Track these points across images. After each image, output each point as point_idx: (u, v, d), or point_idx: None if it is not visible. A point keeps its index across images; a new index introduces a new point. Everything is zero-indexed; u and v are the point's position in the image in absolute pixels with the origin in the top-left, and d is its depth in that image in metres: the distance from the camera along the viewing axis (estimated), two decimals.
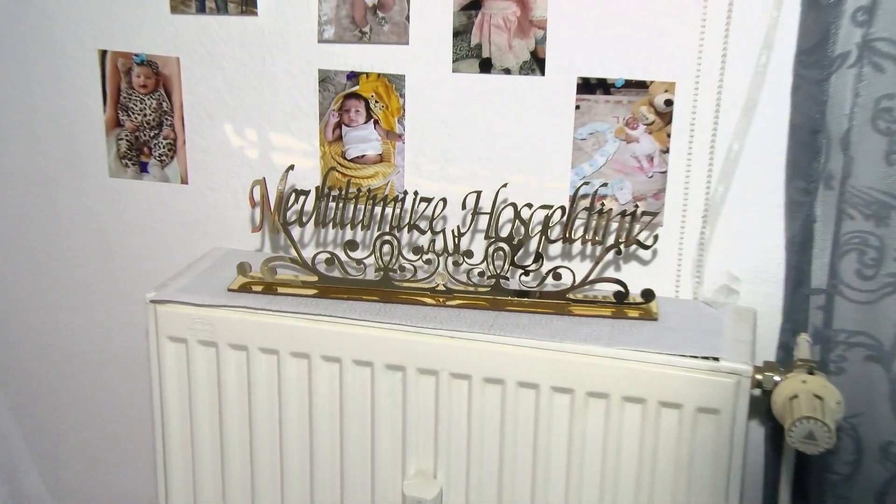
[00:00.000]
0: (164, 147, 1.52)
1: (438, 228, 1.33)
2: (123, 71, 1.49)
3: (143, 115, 1.51)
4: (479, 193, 1.32)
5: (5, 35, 1.53)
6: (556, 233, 1.29)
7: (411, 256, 1.33)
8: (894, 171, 1.17)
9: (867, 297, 1.22)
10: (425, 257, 1.32)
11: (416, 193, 1.34)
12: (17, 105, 1.57)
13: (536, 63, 1.32)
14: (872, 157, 1.17)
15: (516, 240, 1.29)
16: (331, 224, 1.35)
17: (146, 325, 1.36)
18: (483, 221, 1.33)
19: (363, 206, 1.34)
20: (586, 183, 1.33)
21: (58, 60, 1.52)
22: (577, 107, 1.33)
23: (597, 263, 1.30)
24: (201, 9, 1.42)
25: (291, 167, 1.38)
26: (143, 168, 1.54)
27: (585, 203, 1.30)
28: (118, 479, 1.76)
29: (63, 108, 1.54)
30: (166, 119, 1.50)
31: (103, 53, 1.49)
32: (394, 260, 1.32)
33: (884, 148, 1.16)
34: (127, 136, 1.53)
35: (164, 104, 1.49)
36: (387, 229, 1.32)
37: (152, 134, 1.52)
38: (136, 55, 1.48)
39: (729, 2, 1.23)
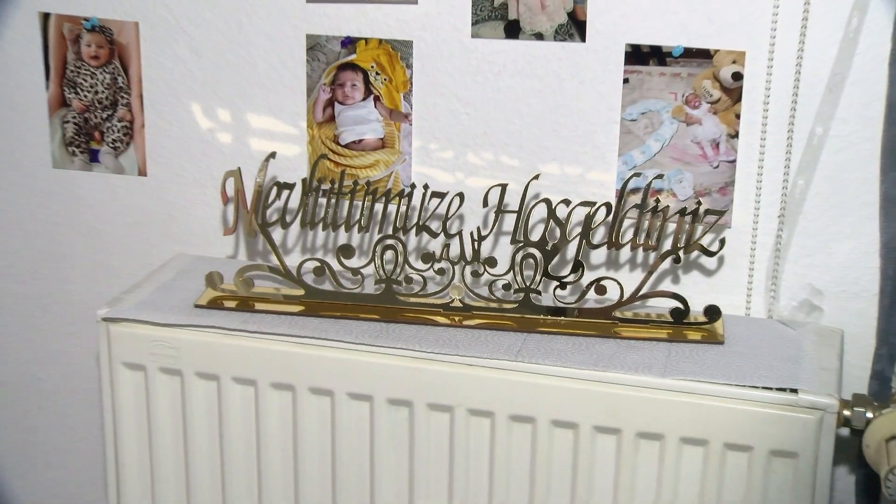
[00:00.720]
0: (118, 131, 1.53)
1: (454, 230, 1.34)
2: (70, 39, 1.51)
3: (95, 93, 1.52)
4: (504, 187, 1.32)
5: None
6: (599, 236, 1.30)
7: (420, 265, 1.33)
8: None
9: None
10: (437, 266, 1.33)
11: (425, 187, 1.34)
12: None
13: (575, 27, 1.33)
14: None
15: (550, 244, 1.30)
16: (321, 225, 1.35)
17: (97, 347, 1.37)
18: (509, 222, 1.33)
19: (361, 203, 1.35)
20: (637, 174, 1.34)
21: None
22: (626, 80, 1.34)
23: (650, 274, 1.31)
24: None
25: (273, 155, 1.38)
26: (94, 157, 1.55)
27: (636, 199, 1.31)
28: None
29: None
30: (122, 97, 1.51)
31: (45, 17, 1.51)
32: (398, 269, 1.33)
33: None
34: (74, 118, 1.54)
35: (120, 79, 1.51)
36: (390, 231, 1.33)
37: (105, 115, 1.53)
38: (86, 20, 1.49)
39: None
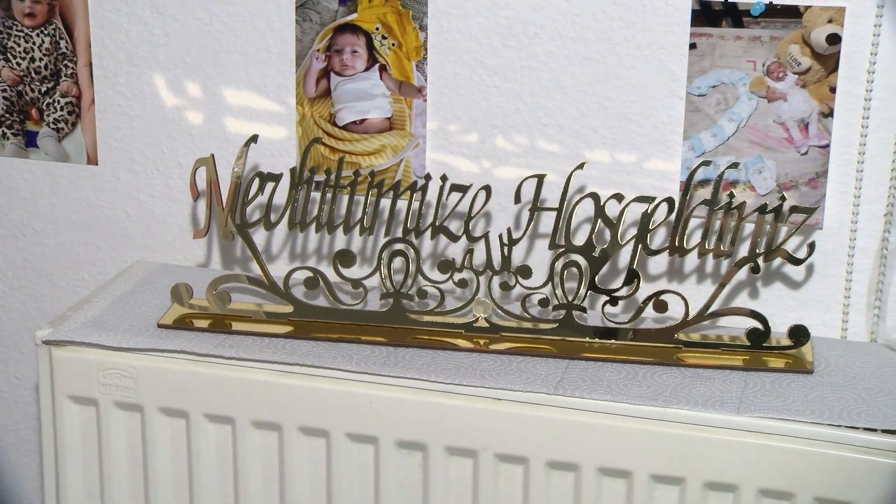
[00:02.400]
0: (62, 109, 1.55)
1: (478, 233, 1.35)
2: None
3: (31, 61, 1.54)
4: (541, 178, 1.33)
5: None
6: (659, 240, 1.32)
7: (436, 275, 1.35)
8: None
9: None
10: (458, 277, 1.34)
11: (443, 179, 1.35)
12: None
13: None
14: None
15: (598, 250, 1.31)
16: (314, 226, 1.37)
17: (36, 377, 1.38)
18: (548, 222, 1.35)
19: (363, 199, 1.36)
20: (707, 163, 1.34)
21: None
22: (693, 45, 1.35)
23: (722, 286, 1.32)
24: None
25: (254, 139, 1.39)
26: (31, 140, 1.57)
27: (706, 194, 1.32)
28: None
29: None
30: (66, 66, 1.53)
31: None
32: (410, 281, 1.34)
33: None
34: (5, 91, 1.56)
35: (63, 43, 1.52)
36: (399, 234, 1.34)
37: (44, 89, 1.55)
38: None
39: None
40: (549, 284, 1.32)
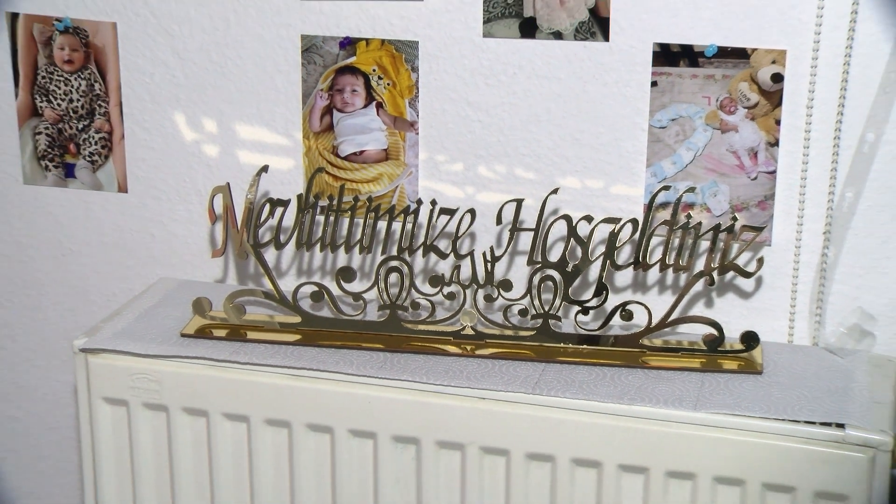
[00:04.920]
0: (96, 143, 1.55)
1: (464, 251, 1.35)
2: (42, 41, 1.52)
3: (69, 101, 1.54)
4: (519, 203, 1.33)
5: None
6: (625, 256, 1.32)
7: (428, 289, 1.35)
8: None
9: None
10: (447, 290, 1.34)
11: (433, 203, 1.36)
12: None
13: (598, 24, 1.34)
14: None
15: (571, 266, 1.31)
16: (318, 246, 1.37)
17: (74, 381, 1.38)
18: (525, 241, 1.34)
19: (362, 221, 1.36)
20: (667, 187, 1.35)
21: None
22: (654, 83, 1.35)
23: (681, 297, 1.32)
24: None
25: (265, 169, 1.40)
26: (69, 171, 1.57)
27: (666, 215, 1.31)
28: None
29: None
30: (99, 106, 1.53)
31: (13, 17, 1.52)
32: (404, 294, 1.34)
33: None
34: (47, 129, 1.56)
35: (97, 86, 1.52)
36: (394, 252, 1.34)
37: (81, 126, 1.55)
38: (59, 20, 1.50)
39: None
40: (528, 296, 1.32)
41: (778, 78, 1.31)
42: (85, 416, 1.38)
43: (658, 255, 1.30)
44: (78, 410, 1.39)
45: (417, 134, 1.44)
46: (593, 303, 1.32)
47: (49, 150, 1.57)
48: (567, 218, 1.31)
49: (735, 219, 1.33)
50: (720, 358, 1.31)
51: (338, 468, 1.32)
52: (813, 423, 1.19)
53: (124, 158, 1.54)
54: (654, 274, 1.40)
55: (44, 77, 1.54)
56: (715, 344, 1.31)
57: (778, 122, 1.33)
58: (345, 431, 1.30)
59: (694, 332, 1.34)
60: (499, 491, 1.28)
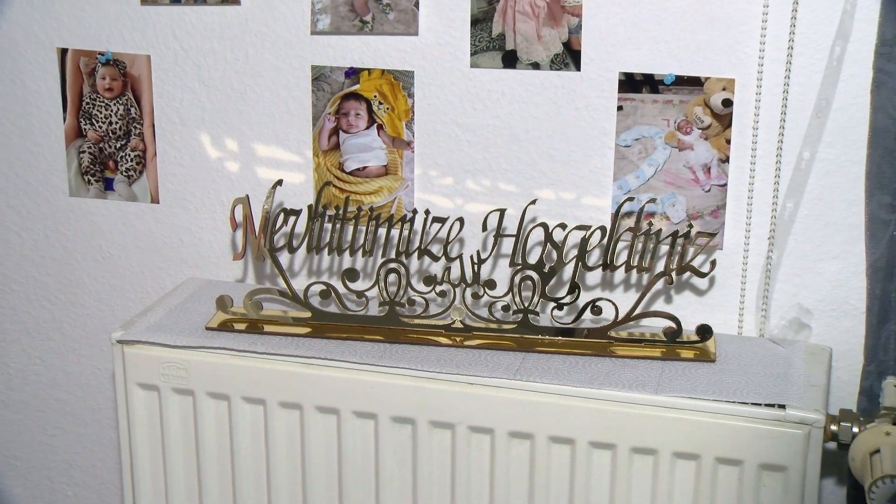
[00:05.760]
0: (132, 160, 1.54)
1: (454, 254, 1.34)
2: (86, 72, 1.52)
3: (109, 124, 1.54)
4: (502, 212, 1.33)
5: None
6: (594, 258, 1.31)
7: (422, 288, 1.34)
8: None
9: None
10: (439, 289, 1.34)
11: (427, 212, 1.35)
12: None
13: (570, 56, 1.34)
14: None
15: (547, 267, 1.31)
16: (326, 250, 1.36)
17: (112, 368, 1.38)
18: (508, 245, 1.35)
19: (365, 228, 1.36)
20: (631, 199, 1.35)
21: (10, 61, 1.55)
22: (620, 108, 1.35)
23: (643, 295, 1.31)
24: None
25: (279, 182, 1.39)
26: (108, 185, 1.56)
27: (630, 223, 1.31)
28: None
29: (16, 115, 1.58)
30: (135, 128, 1.53)
31: (63, 52, 1.52)
32: (401, 292, 1.34)
33: None
34: (90, 148, 1.56)
35: (133, 110, 1.52)
36: (393, 255, 1.34)
37: (119, 145, 1.54)
38: (101, 54, 1.51)
39: None
40: (510, 294, 1.32)
41: (728, 103, 1.31)
42: (122, 399, 1.38)
43: (623, 257, 1.30)
44: (115, 394, 1.39)
45: (413, 152, 1.44)
46: (567, 299, 1.32)
47: (91, 166, 1.56)
48: (544, 225, 1.31)
49: (691, 226, 1.34)
50: (678, 348, 1.31)
51: (343, 445, 1.32)
52: (758, 404, 1.19)
53: (156, 173, 1.54)
54: (620, 274, 1.40)
55: (87, 103, 1.54)
56: (674, 335, 1.31)
57: (728, 142, 1.33)
58: (349, 413, 1.30)
59: (655, 326, 1.34)
60: (484, 465, 1.28)
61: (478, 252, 1.34)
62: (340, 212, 1.36)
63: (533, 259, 1.32)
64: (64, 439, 1.74)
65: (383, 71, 1.41)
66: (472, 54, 1.38)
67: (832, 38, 1.25)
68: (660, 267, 1.30)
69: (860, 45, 1.24)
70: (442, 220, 1.34)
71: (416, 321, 1.35)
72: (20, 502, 1.80)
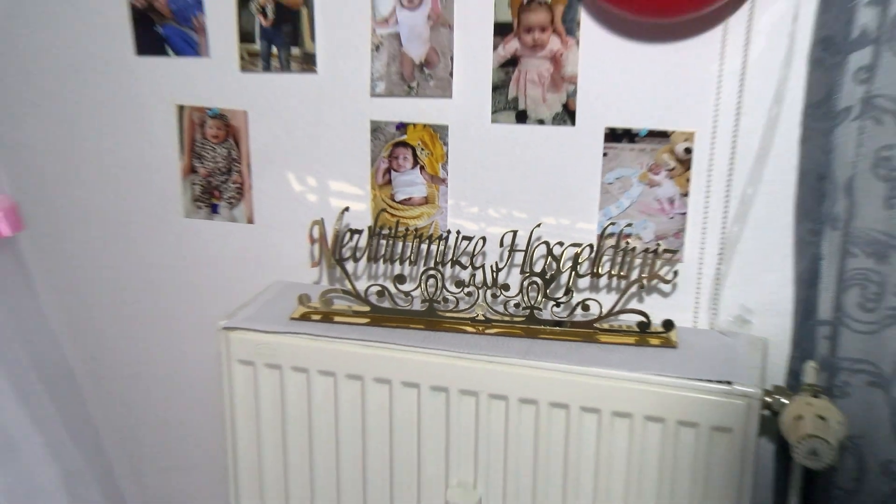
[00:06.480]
0: (232, 191, 1.55)
1: (478, 264, 1.35)
2: (198, 123, 1.53)
3: (215, 163, 1.54)
4: (515, 233, 1.34)
5: (97, 91, 1.57)
6: (584, 268, 1.31)
7: (454, 289, 1.35)
8: (894, 214, 1.18)
9: (869, 328, 1.21)
10: (466, 290, 1.34)
11: (458, 232, 1.36)
12: (104, 153, 1.60)
13: (568, 115, 1.34)
14: (873, 202, 1.18)
15: (549, 274, 1.31)
16: (381, 260, 1.37)
17: (219, 349, 1.38)
18: (518, 258, 1.35)
19: (410, 244, 1.37)
20: (613, 223, 1.35)
21: (140, 114, 1.57)
22: (605, 154, 1.34)
23: (622, 296, 1.32)
24: (266, 67, 1.46)
25: (346, 209, 1.41)
26: (214, 209, 1.57)
27: (612, 241, 1.31)
28: (193, 486, 1.78)
29: (144, 156, 1.59)
30: (235, 166, 1.53)
31: (181, 108, 1.53)
32: (438, 292, 1.34)
33: (884, 193, 1.17)
34: (200, 181, 1.56)
35: (233, 152, 1.53)
36: (431, 265, 1.34)
37: (222, 179, 1.55)
38: (210, 109, 1.52)
39: (742, 60, 1.24)
40: (520, 294, 1.32)
41: (689, 151, 1.30)
42: (225, 372, 1.38)
43: (607, 268, 1.30)
44: (221, 369, 1.39)
45: (447, 187, 1.43)
46: (563, 299, 1.32)
47: (201, 195, 1.57)
48: (546, 243, 1.31)
49: (658, 245, 1.33)
50: (648, 337, 1.30)
51: (394, 408, 1.32)
52: (710, 380, 1.19)
53: (251, 201, 1.54)
54: (604, 281, 1.39)
55: (198, 147, 1.54)
56: (644, 327, 1.31)
57: (688, 181, 1.32)
58: (398, 383, 1.30)
59: (630, 320, 1.33)
60: (500, 424, 1.28)
61: (496, 263, 1.34)
62: (392, 231, 1.36)
63: (538, 268, 1.32)
64: (182, 404, 1.72)
65: (425, 125, 1.41)
66: (492, 112, 1.37)
67: (770, 102, 1.24)
68: (634, 275, 1.31)
69: (791, 107, 1.23)
70: (469, 239, 1.35)
71: (449, 314, 1.35)
72: (144, 448, 1.77)
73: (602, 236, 1.32)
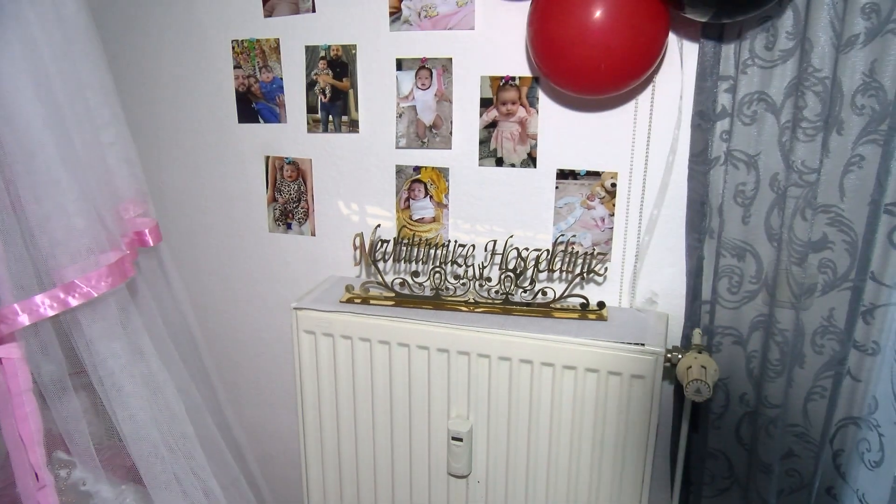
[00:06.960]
0: (301, 213, 1.56)
1: (470, 263, 1.37)
2: (278, 167, 1.54)
3: (289, 194, 1.55)
4: (495, 241, 1.36)
5: (213, 147, 1.58)
6: (543, 266, 1.33)
7: (453, 281, 1.36)
8: (748, 229, 1.21)
9: (734, 305, 1.24)
10: (461, 281, 1.36)
11: (455, 241, 1.38)
12: (217, 189, 1.61)
13: (531, 160, 1.35)
14: (735, 220, 1.21)
15: (518, 270, 1.32)
16: (403, 260, 1.39)
17: (291, 323, 1.39)
18: (497, 259, 1.37)
19: (423, 250, 1.38)
20: (562, 235, 1.36)
21: (240, 162, 1.58)
22: (557, 187, 1.35)
23: (569, 285, 1.33)
24: (325, 129, 1.47)
25: (378, 225, 1.43)
26: (289, 226, 1.57)
27: (562, 247, 1.33)
28: (274, 417, 1.75)
29: (241, 190, 1.59)
30: (303, 196, 1.54)
31: (267, 158, 1.55)
32: (442, 283, 1.36)
33: (741, 214, 1.21)
34: (279, 207, 1.57)
35: (301, 187, 1.54)
36: (437, 264, 1.36)
37: (294, 205, 1.56)
38: (287, 158, 1.53)
39: (648, 123, 1.27)
40: (499, 284, 1.33)
41: (614, 185, 1.31)
42: (294, 340, 1.38)
43: (559, 265, 1.31)
44: (292, 337, 1.39)
45: (448, 210, 1.43)
46: (529, 287, 1.33)
47: (280, 216, 1.57)
48: (517, 248, 1.33)
49: (594, 249, 1.34)
50: (587, 313, 1.31)
51: (412, 364, 1.32)
52: (631, 343, 1.20)
53: (314, 221, 1.54)
54: (557, 274, 1.39)
55: (279, 183, 1.55)
56: (585, 307, 1.32)
57: (614, 205, 1.33)
58: (415, 346, 1.30)
59: (575, 302, 1.33)
60: (485, 374, 1.28)
61: (482, 262, 1.36)
62: (410, 241, 1.37)
63: (511, 265, 1.33)
64: (262, 367, 1.69)
65: (433, 167, 1.42)
66: (479, 159, 1.37)
67: (668, 152, 1.26)
68: (577, 270, 1.31)
69: (681, 156, 1.25)
70: (463, 246, 1.37)
71: (450, 299, 1.35)
72: (241, 389, 1.74)
73: (555, 244, 1.34)
